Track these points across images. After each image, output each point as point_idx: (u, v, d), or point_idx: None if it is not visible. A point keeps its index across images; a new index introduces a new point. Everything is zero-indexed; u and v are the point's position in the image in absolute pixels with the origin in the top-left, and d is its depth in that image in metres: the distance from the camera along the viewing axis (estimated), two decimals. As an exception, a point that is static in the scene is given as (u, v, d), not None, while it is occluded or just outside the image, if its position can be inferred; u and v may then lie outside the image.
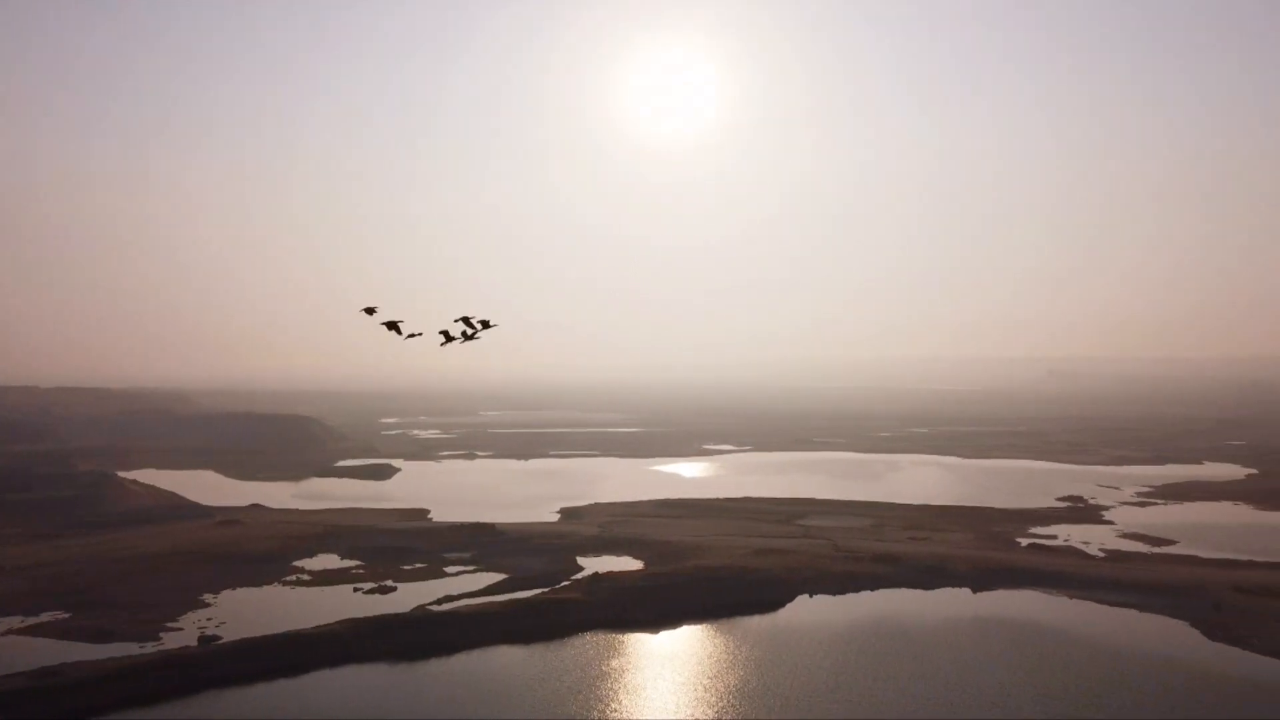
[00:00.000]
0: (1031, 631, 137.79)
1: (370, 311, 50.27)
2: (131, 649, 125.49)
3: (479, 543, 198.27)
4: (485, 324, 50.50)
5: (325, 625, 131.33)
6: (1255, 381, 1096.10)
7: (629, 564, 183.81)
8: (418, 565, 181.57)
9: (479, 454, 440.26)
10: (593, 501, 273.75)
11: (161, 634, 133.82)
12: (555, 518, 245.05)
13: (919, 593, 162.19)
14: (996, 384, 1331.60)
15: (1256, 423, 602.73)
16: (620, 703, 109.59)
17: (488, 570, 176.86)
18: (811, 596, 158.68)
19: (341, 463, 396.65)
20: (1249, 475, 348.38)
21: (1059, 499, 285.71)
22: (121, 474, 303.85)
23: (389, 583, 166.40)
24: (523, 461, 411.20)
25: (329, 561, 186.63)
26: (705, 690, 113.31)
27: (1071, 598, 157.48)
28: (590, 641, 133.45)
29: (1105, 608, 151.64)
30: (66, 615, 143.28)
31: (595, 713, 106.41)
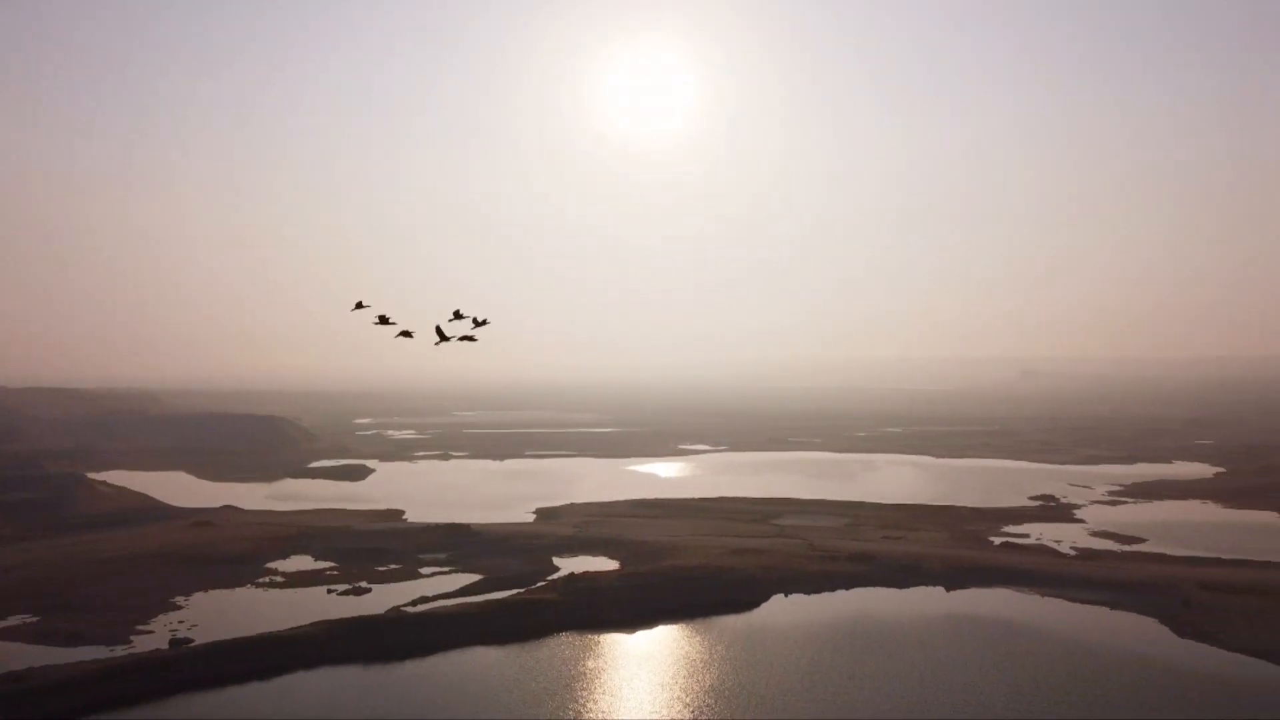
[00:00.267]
0: (1004, 629, 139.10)
1: (360, 306, 50.00)
2: (102, 652, 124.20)
3: (454, 543, 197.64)
4: (480, 322, 50.41)
5: (299, 627, 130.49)
6: (1223, 382, 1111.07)
7: (605, 564, 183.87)
8: (392, 566, 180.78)
9: (454, 454, 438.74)
10: (568, 502, 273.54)
11: (133, 637, 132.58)
12: (531, 518, 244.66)
13: (893, 591, 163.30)
14: (970, 384, 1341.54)
15: (1224, 422, 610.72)
16: (596, 703, 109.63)
17: (463, 571, 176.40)
18: (787, 596, 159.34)
19: (315, 463, 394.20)
20: (1217, 474, 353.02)
21: (1031, 498, 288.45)
22: (92, 476, 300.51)
23: (363, 584, 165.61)
24: (498, 462, 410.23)
25: (303, 563, 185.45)
26: (681, 690, 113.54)
27: (1043, 595, 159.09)
28: (566, 642, 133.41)
29: (1076, 605, 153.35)
30: (36, 619, 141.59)
31: (571, 713, 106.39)
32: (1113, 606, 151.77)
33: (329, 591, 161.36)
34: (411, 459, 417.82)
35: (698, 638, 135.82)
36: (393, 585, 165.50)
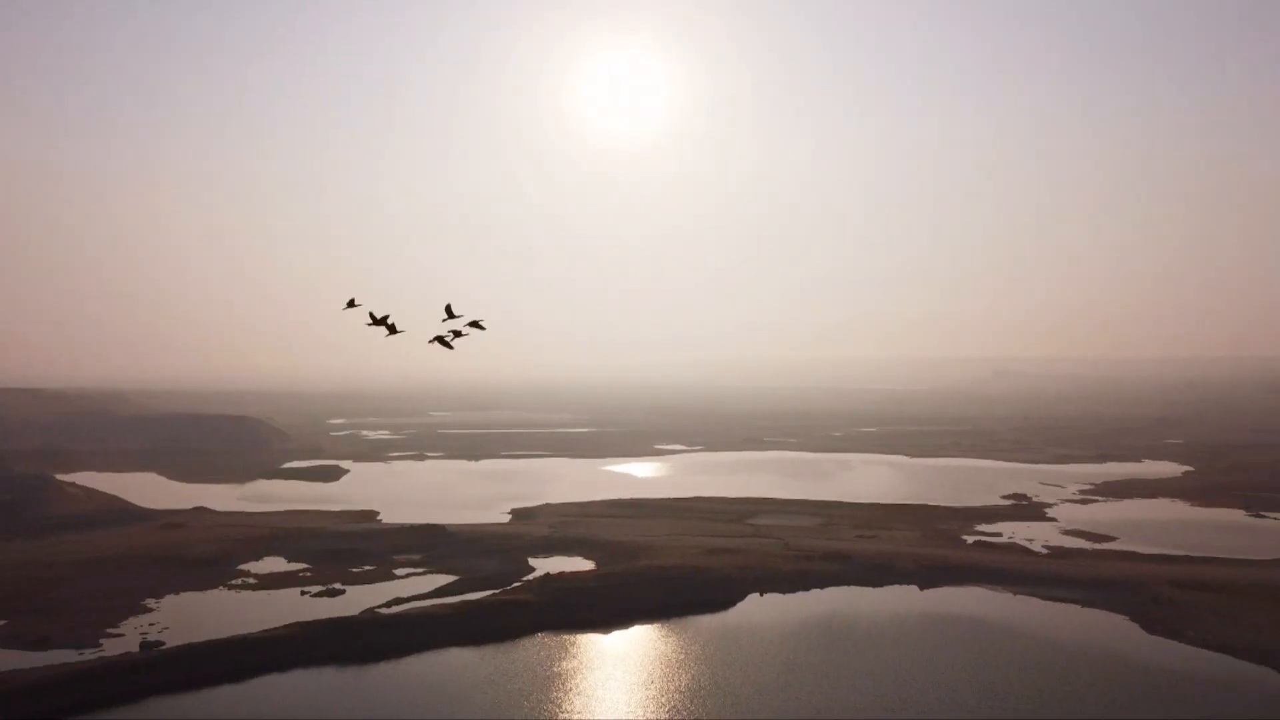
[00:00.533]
0: (977, 627, 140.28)
1: (352, 305, 49.57)
2: (71, 656, 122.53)
3: (429, 544, 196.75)
4: (475, 324, 50.10)
5: (272, 629, 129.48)
6: (1192, 381, 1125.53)
7: (580, 564, 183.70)
8: (367, 567, 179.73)
9: (429, 455, 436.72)
10: (544, 502, 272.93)
11: (102, 640, 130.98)
12: (506, 519, 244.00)
13: (868, 590, 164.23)
14: (943, 384, 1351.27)
15: (1193, 421, 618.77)
16: (572, 703, 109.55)
17: (438, 572, 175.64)
18: (762, 595, 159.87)
19: (288, 464, 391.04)
20: (1185, 473, 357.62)
21: (1003, 497, 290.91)
22: (60, 477, 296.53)
23: (337, 585, 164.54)
24: (473, 462, 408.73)
25: (275, 565, 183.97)
26: (657, 690, 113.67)
27: (1015, 593, 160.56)
28: (542, 642, 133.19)
29: (1048, 603, 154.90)
30: (3, 622, 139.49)
31: (547, 714, 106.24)
32: (1084, 604, 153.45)
33: (302, 593, 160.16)
34: (386, 459, 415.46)
35: (674, 637, 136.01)
36: (367, 586, 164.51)
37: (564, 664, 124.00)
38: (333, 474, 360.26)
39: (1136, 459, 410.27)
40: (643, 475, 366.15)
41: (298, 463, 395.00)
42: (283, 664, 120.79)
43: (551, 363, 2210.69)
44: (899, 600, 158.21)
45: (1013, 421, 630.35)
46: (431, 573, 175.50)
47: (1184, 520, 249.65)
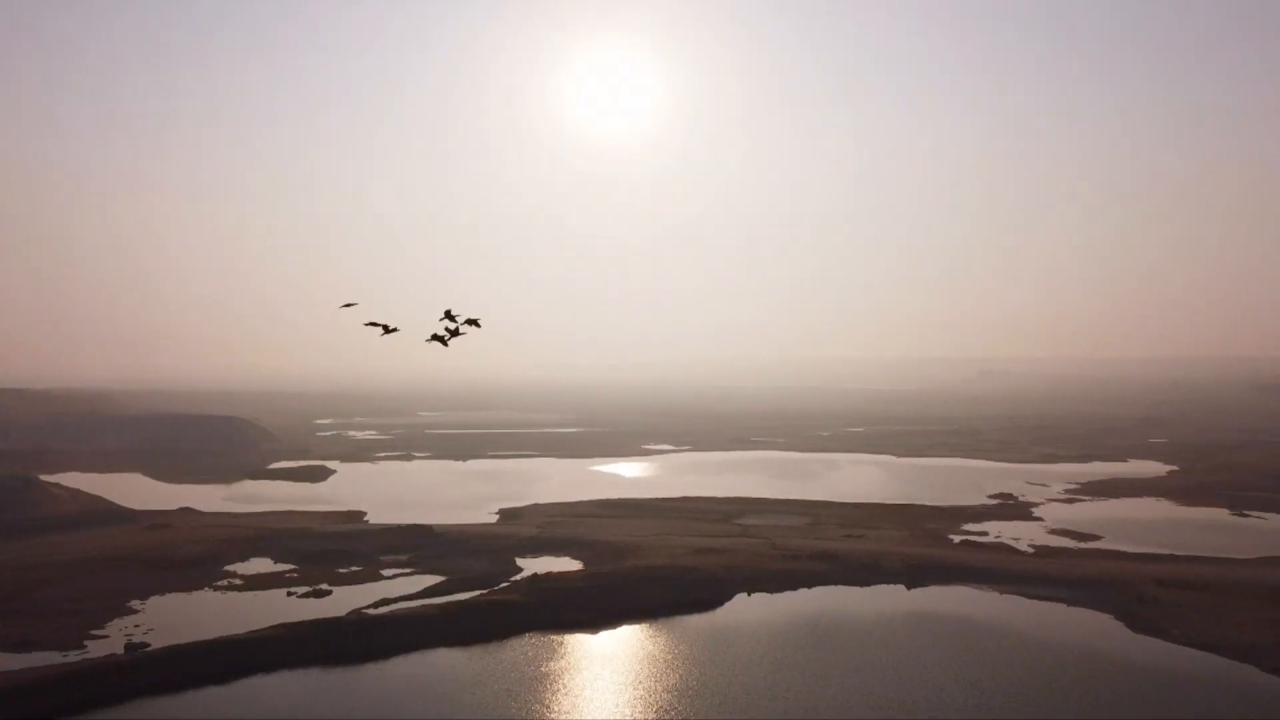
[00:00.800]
0: (963, 625, 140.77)
1: (349, 306, 49.24)
2: (55, 658, 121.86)
3: (416, 545, 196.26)
4: (472, 322, 49.92)
5: (258, 630, 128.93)
6: (1176, 381, 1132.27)
7: (568, 564, 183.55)
8: (354, 568, 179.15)
9: (416, 455, 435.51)
10: (532, 502, 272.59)
11: (87, 642, 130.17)
12: (494, 519, 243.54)
13: (855, 589, 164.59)
14: (929, 384, 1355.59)
15: (1177, 421, 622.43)
16: (560, 704, 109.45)
17: (425, 572, 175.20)
18: (750, 595, 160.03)
19: (275, 464, 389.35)
20: (1170, 472, 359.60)
21: (990, 496, 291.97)
22: (44, 478, 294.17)
23: (324, 586, 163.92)
24: (461, 462, 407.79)
25: (262, 565, 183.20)
26: (645, 690, 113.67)
27: (1002, 592, 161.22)
28: (529, 643, 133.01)
29: (1034, 601, 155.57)
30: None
31: (535, 714, 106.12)
32: (1069, 602, 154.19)
33: (289, 594, 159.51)
34: (373, 460, 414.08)
35: (661, 637, 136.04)
36: (354, 587, 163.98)
37: (552, 664, 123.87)
38: (320, 474, 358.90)
39: (1121, 458, 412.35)
40: (631, 475, 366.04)
41: (284, 463, 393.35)
42: (269, 665, 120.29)
43: (537, 362, 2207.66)
44: (886, 599, 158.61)
45: (999, 421, 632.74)
46: (419, 573, 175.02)
47: (1169, 519, 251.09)
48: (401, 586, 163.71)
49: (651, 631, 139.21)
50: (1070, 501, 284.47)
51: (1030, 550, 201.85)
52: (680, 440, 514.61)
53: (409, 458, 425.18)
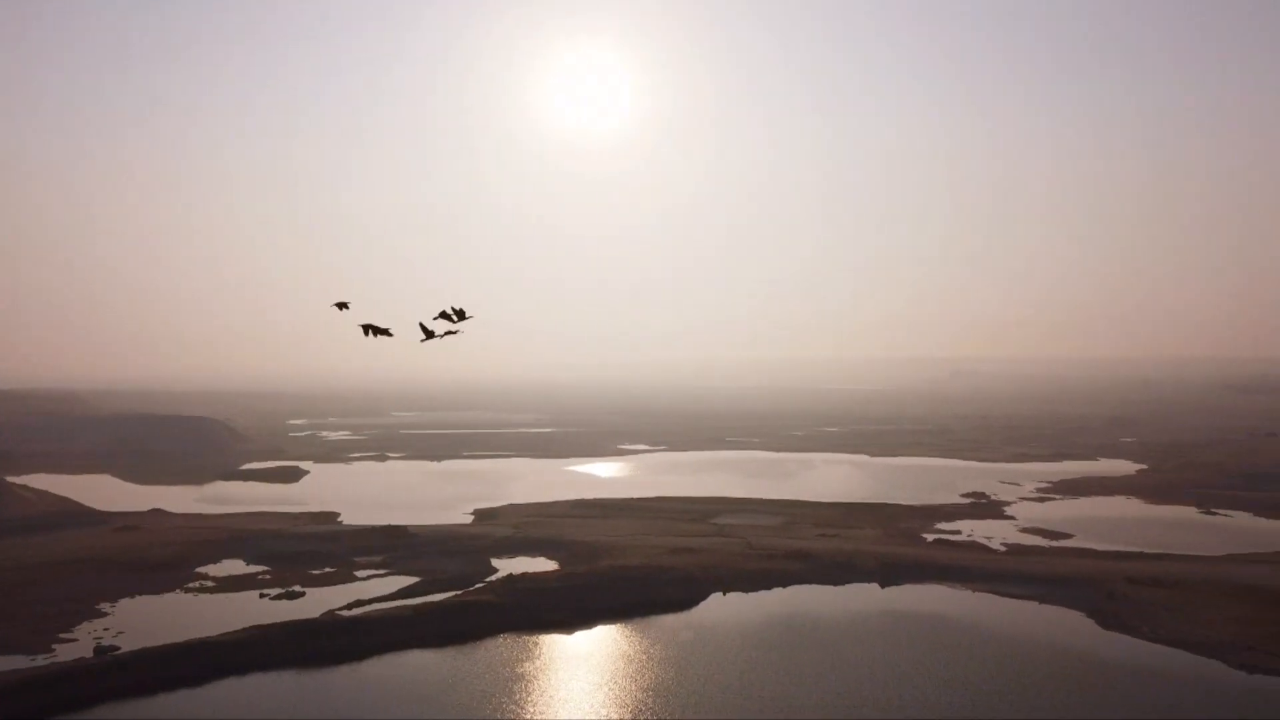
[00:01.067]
0: (937, 623, 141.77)
1: (343, 307, 48.69)
2: (22, 662, 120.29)
3: (391, 546, 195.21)
4: (461, 314, 49.61)
5: (230, 632, 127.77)
6: (1146, 380, 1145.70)
7: (544, 565, 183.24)
8: (327, 570, 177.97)
9: (391, 455, 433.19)
10: (507, 502, 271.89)
11: (55, 646, 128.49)
12: (469, 519, 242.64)
13: (829, 588, 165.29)
14: (902, 384, 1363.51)
15: (1147, 420, 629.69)
16: (535, 704, 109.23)
17: (400, 574, 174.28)
18: (725, 594, 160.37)
19: (247, 465, 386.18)
20: (1139, 471, 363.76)
21: (963, 495, 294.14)
22: (11, 479, 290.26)
23: (297, 588, 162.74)
24: (436, 463, 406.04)
25: (234, 567, 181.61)
26: (620, 690, 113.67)
27: (975, 590, 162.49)
28: (504, 643, 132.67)
29: (1006, 599, 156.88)
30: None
31: (510, 715, 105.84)
32: (1041, 600, 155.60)
33: (261, 596, 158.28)
34: (347, 460, 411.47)
35: (637, 637, 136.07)
36: (327, 589, 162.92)
37: (527, 665, 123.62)
38: (293, 475, 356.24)
39: (1092, 457, 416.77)
40: (606, 475, 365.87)
41: (257, 464, 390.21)
42: (241, 667, 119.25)
43: (511, 362, 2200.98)
44: (860, 598, 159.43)
45: (971, 420, 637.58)
46: (393, 574, 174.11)
47: (1138, 517, 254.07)
48: (376, 588, 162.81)
49: (627, 632, 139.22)
50: (1042, 500, 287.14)
51: (1002, 549, 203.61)
52: (656, 440, 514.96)
53: (383, 458, 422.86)
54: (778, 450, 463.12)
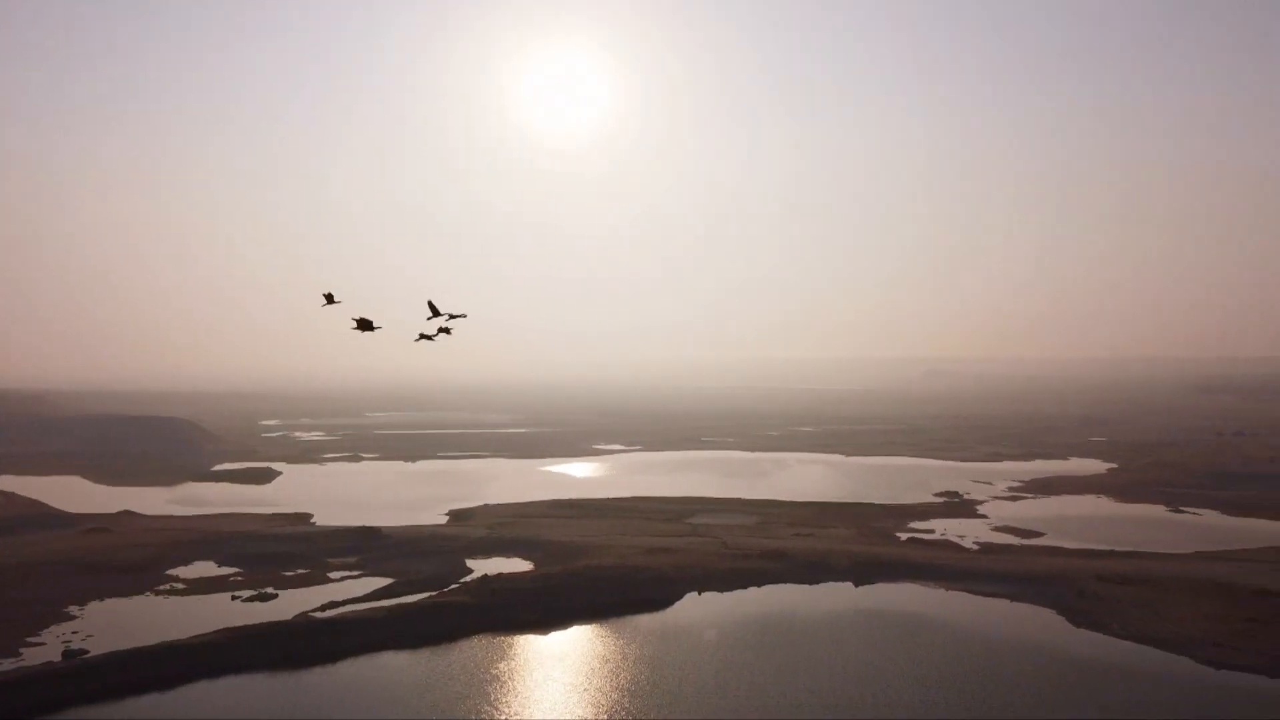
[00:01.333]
0: (910, 622, 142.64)
1: (330, 301, 48.34)
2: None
3: (364, 547, 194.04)
4: (457, 317, 49.59)
5: (202, 635, 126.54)
6: (1115, 381, 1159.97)
7: (519, 565, 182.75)
8: (300, 571, 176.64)
9: (364, 456, 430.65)
10: (482, 503, 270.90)
11: (22, 650, 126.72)
12: (444, 520, 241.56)
13: (804, 587, 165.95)
14: (876, 384, 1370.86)
15: (1116, 420, 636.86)
16: (510, 705, 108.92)
17: (374, 575, 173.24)
18: (700, 594, 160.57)
19: (219, 466, 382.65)
20: (1109, 470, 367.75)
21: (936, 494, 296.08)
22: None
23: (269, 590, 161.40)
24: (410, 463, 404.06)
25: (205, 569, 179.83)
26: (596, 690, 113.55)
27: (947, 589, 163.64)
28: (479, 644, 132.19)
29: (978, 597, 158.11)
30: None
31: (485, 715, 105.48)
32: (1013, 598, 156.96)
33: (233, 598, 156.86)
34: (320, 461, 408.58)
35: (612, 637, 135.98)
36: (300, 590, 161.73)
37: (502, 665, 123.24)
38: (265, 476, 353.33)
39: (1063, 457, 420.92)
40: (582, 475, 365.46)
41: (228, 465, 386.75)
42: (213, 670, 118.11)
43: (485, 362, 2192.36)
44: (834, 597, 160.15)
45: (944, 420, 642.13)
46: (367, 575, 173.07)
47: (1108, 516, 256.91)
48: (349, 589, 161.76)
49: (602, 631, 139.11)
50: (1014, 499, 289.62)
51: (975, 547, 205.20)
52: (631, 440, 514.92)
53: (357, 459, 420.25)
54: (752, 450, 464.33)
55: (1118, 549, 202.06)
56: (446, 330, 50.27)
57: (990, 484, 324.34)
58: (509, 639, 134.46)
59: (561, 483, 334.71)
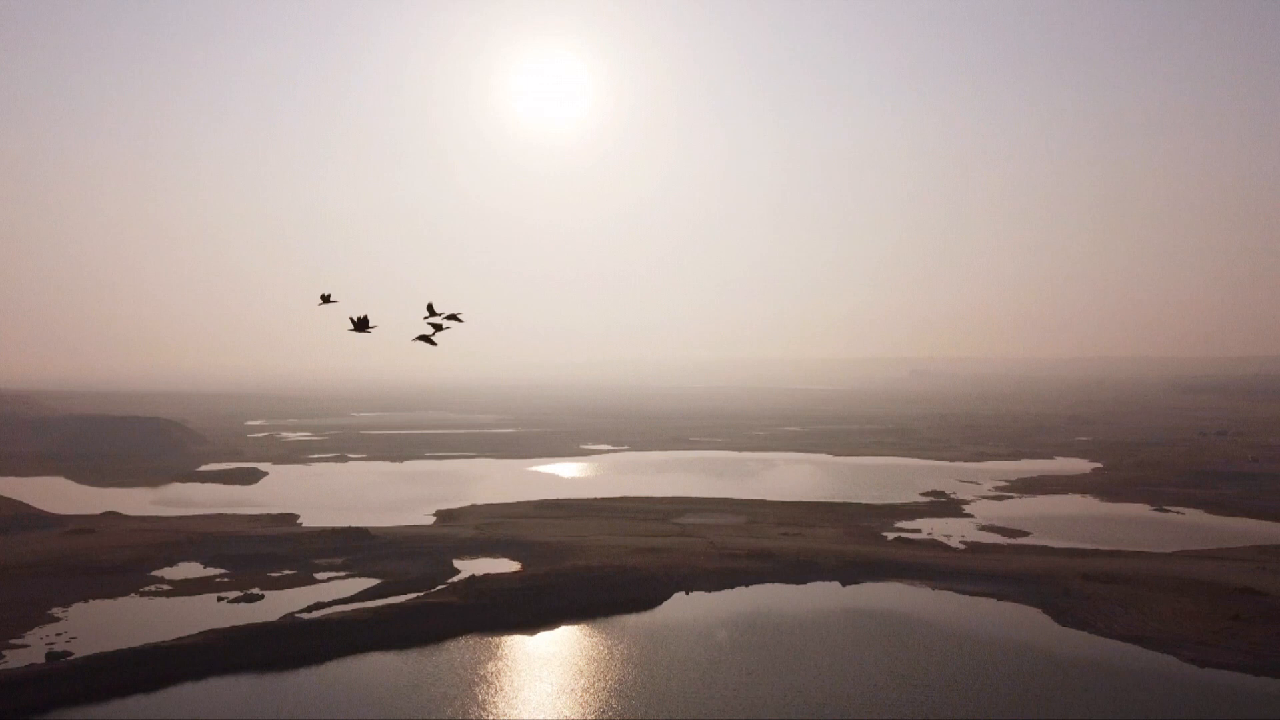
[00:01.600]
0: (897, 621, 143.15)
1: (326, 300, 48.05)
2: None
3: (351, 548, 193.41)
4: (453, 317, 49.46)
5: (187, 637, 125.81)
6: (1101, 380, 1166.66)
7: (506, 566, 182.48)
8: (286, 572, 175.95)
9: (351, 456, 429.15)
10: (469, 503, 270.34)
11: (4, 652, 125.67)
12: (431, 520, 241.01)
13: (791, 587, 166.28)
14: (863, 384, 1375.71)
15: (1102, 420, 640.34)
16: (497, 706, 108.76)
17: (360, 576, 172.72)
18: (688, 594, 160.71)
19: (204, 467, 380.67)
20: (1095, 469, 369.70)
21: (923, 494, 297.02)
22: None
23: (255, 591, 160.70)
24: (397, 464, 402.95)
25: (191, 570, 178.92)
26: (583, 691, 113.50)
27: (934, 588, 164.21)
28: (467, 645, 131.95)
29: (965, 597, 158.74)
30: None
31: (473, 717, 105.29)
32: (999, 597, 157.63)
33: (219, 599, 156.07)
34: (306, 461, 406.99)
35: (600, 638, 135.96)
36: (286, 591, 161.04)
37: (490, 666, 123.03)
38: (251, 476, 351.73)
39: (1049, 456, 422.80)
40: (569, 475, 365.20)
41: (214, 465, 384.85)
42: (198, 672, 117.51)
43: (471, 363, 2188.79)
44: (821, 597, 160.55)
45: (930, 420, 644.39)
46: (354, 576, 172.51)
47: (1094, 515, 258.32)
48: (336, 590, 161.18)
49: (589, 632, 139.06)
50: (1000, 498, 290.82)
51: (961, 546, 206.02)
52: (618, 440, 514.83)
53: (343, 459, 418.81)
54: (739, 450, 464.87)
55: (1103, 548, 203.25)
56: (441, 327, 50.21)
57: (976, 483, 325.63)
58: (496, 639, 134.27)
59: (549, 483, 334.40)
